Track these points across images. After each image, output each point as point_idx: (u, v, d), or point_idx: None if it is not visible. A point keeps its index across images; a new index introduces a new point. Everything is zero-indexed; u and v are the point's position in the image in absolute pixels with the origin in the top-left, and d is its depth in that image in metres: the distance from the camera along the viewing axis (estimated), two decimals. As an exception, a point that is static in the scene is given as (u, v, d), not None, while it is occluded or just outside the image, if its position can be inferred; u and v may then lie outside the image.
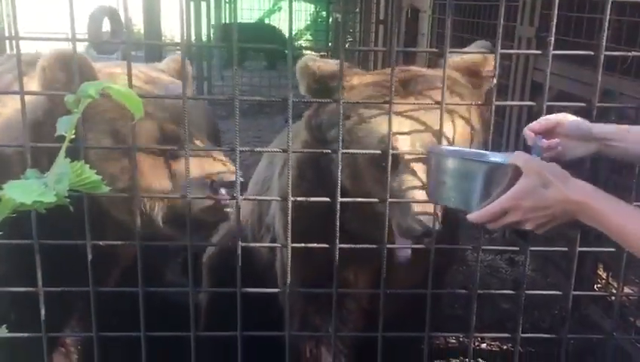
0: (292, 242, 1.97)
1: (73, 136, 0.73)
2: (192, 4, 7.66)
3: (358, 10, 11.04)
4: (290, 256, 2.00)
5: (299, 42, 15.09)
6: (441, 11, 6.19)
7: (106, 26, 6.86)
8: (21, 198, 0.63)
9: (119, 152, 2.00)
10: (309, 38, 16.39)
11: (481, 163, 1.33)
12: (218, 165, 2.04)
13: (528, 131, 1.58)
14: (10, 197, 0.63)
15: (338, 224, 1.96)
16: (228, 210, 2.02)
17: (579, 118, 1.59)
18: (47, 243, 1.98)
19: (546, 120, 1.56)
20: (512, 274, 4.03)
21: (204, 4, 8.57)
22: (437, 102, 1.74)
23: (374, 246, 2.07)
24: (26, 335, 2.07)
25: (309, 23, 16.72)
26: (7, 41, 5.01)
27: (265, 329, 2.27)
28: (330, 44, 13.08)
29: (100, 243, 2.04)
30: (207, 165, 2.02)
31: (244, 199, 2.00)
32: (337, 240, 2.02)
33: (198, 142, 2.08)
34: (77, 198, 0.79)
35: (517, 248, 3.05)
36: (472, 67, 1.98)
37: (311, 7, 16.77)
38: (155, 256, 2.37)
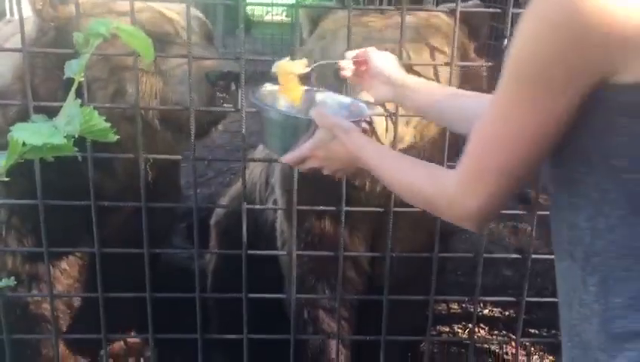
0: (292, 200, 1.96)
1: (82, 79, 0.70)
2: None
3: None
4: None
5: None
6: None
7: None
8: (30, 140, 0.61)
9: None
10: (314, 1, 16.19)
11: (290, 117, 1.52)
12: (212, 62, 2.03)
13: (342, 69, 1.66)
14: (18, 138, 0.61)
15: (345, 186, 1.96)
16: (226, 105, 2.01)
17: (388, 61, 1.62)
18: (51, 203, 1.99)
19: (355, 57, 1.64)
20: (515, 244, 4.04)
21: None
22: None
23: (380, 209, 2.07)
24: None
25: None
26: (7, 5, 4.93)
27: (272, 291, 2.30)
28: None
29: (105, 203, 2.05)
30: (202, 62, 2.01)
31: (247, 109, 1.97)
32: (344, 203, 2.03)
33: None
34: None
35: (523, 212, 3.02)
36: (466, 18, 2.04)
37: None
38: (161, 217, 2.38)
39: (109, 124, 0.77)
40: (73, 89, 0.65)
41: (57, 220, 2.07)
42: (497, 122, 1.02)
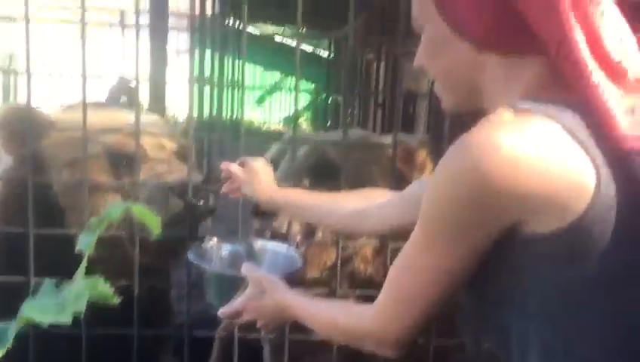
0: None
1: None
2: (195, 86, 7.87)
3: (357, 91, 11.34)
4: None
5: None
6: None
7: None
8: (39, 319, 0.64)
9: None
10: (309, 116, 16.76)
11: (224, 275, 1.66)
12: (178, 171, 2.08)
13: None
14: (28, 317, 0.65)
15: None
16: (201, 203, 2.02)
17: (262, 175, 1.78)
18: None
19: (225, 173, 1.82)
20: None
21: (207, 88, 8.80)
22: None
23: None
24: None
25: (307, 99, 17.13)
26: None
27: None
28: (328, 124, 13.35)
29: (95, 332, 2.03)
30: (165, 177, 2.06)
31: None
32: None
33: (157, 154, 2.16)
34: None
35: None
36: (406, 154, 2.24)
37: (311, 86, 17.24)
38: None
39: (112, 290, 0.81)
40: (83, 264, 0.69)
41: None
42: (414, 258, 1.10)
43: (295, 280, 1.68)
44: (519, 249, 1.01)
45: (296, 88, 2.20)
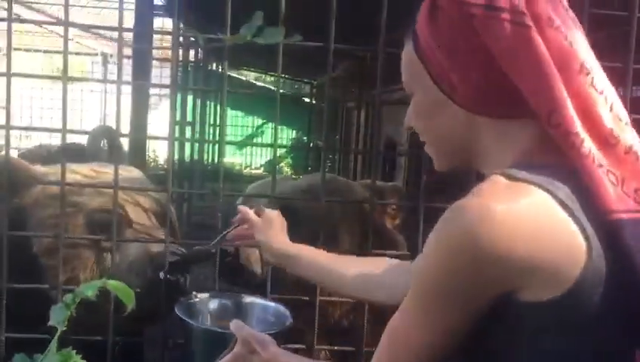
0: None
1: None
2: (176, 127, 7.90)
3: (337, 137, 11.46)
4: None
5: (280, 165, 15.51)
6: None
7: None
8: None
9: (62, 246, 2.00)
10: (289, 161, 16.84)
11: (211, 331, 1.60)
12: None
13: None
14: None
15: None
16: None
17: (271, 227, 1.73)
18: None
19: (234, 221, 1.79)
20: None
21: (188, 128, 8.83)
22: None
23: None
24: None
25: (288, 145, 17.25)
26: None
27: None
28: (309, 168, 13.42)
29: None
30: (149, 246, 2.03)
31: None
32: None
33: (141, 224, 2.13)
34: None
35: None
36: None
37: (291, 133, 17.38)
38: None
39: (84, 362, 0.79)
40: (55, 339, 0.68)
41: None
42: (404, 329, 1.07)
43: (285, 337, 1.64)
44: (512, 319, 1.00)
45: (275, 137, 2.18)
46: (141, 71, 4.03)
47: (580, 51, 1.06)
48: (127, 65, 4.41)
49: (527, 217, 0.97)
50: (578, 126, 1.03)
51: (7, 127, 2.02)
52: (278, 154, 2.50)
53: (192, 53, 8.50)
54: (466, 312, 1.02)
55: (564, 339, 0.99)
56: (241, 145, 16.79)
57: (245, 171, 16.29)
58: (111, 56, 11.74)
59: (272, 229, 1.72)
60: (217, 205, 2.10)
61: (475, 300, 1.01)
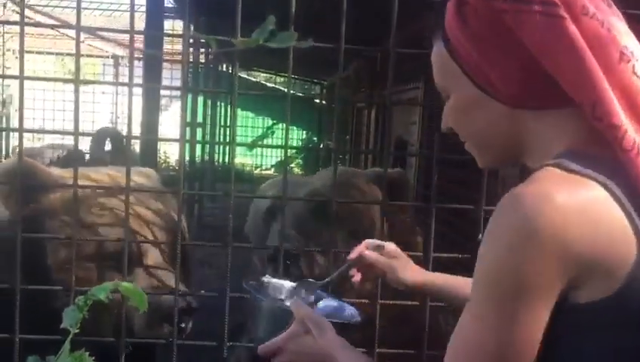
0: None
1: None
2: (187, 129, 7.91)
3: (348, 137, 11.45)
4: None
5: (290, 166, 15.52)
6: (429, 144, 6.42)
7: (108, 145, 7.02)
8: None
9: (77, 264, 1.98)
10: (300, 162, 16.84)
11: (276, 306, 1.56)
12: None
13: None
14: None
15: None
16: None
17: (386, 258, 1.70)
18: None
19: (357, 252, 1.72)
20: None
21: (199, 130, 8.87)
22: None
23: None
24: None
25: (298, 145, 17.26)
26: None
27: None
28: (320, 169, 13.39)
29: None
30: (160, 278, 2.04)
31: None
32: None
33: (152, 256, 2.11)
34: None
35: None
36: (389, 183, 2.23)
37: (302, 134, 17.37)
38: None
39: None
40: (67, 341, 0.68)
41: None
42: (473, 333, 1.00)
43: (348, 332, 1.50)
44: (563, 319, 0.96)
45: (285, 138, 2.18)
46: (152, 73, 4.06)
47: (619, 37, 1.02)
48: (139, 68, 4.45)
49: (587, 209, 0.93)
50: (622, 117, 0.99)
51: (21, 130, 2.03)
52: (288, 155, 2.50)
53: (202, 54, 8.53)
54: (542, 307, 0.95)
55: (613, 340, 0.96)
56: (251, 146, 16.84)
57: (256, 172, 16.32)
58: (122, 58, 11.78)
59: (400, 265, 1.68)
60: (228, 206, 2.09)
61: (546, 292, 0.95)
